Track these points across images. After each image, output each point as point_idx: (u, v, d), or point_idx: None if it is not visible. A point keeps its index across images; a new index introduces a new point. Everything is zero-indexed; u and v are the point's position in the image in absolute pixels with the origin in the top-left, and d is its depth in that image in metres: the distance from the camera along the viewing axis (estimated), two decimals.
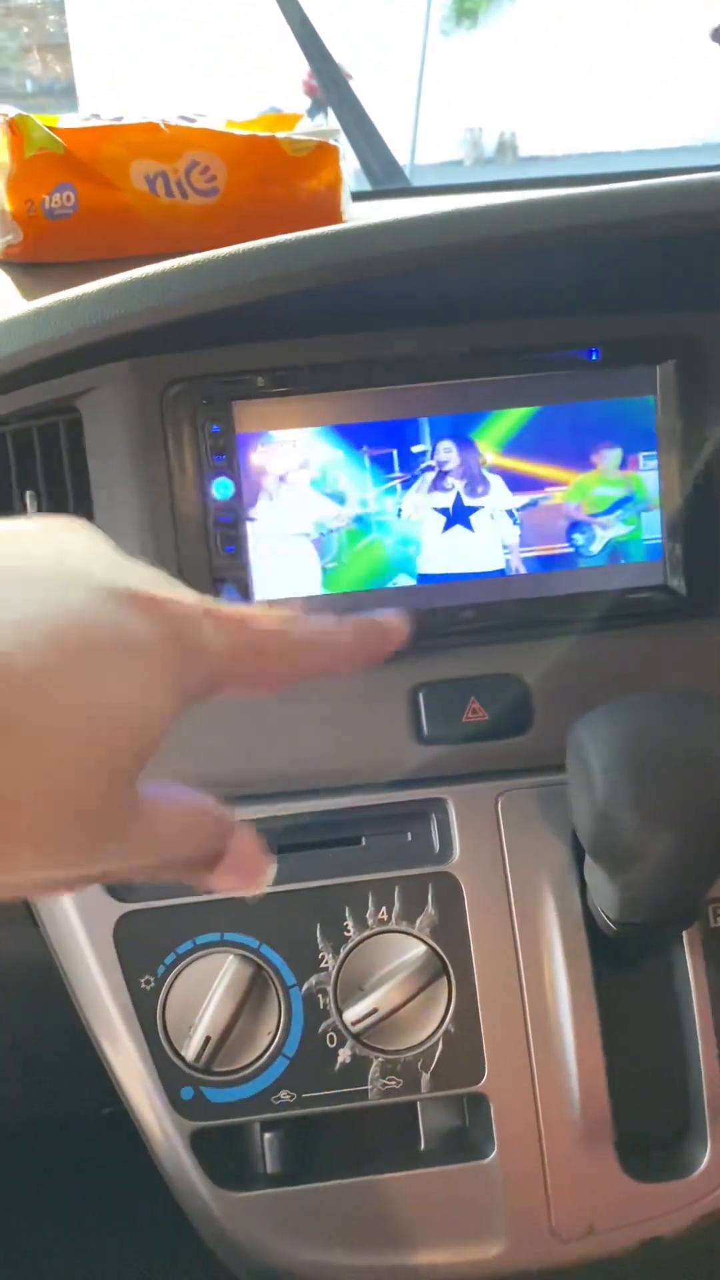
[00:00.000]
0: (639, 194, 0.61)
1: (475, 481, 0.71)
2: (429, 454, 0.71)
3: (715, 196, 0.61)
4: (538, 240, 0.62)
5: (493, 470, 0.71)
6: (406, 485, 0.71)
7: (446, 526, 0.72)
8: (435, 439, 0.71)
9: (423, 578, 0.72)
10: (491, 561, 0.72)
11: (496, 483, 0.72)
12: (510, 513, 0.72)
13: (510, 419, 0.71)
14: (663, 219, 0.61)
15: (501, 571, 0.72)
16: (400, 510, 0.71)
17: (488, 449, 0.71)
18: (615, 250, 0.65)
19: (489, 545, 0.72)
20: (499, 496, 0.72)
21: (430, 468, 0.71)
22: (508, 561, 0.72)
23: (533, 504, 0.72)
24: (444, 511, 0.71)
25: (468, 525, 0.72)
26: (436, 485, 0.71)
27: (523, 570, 0.73)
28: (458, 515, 0.72)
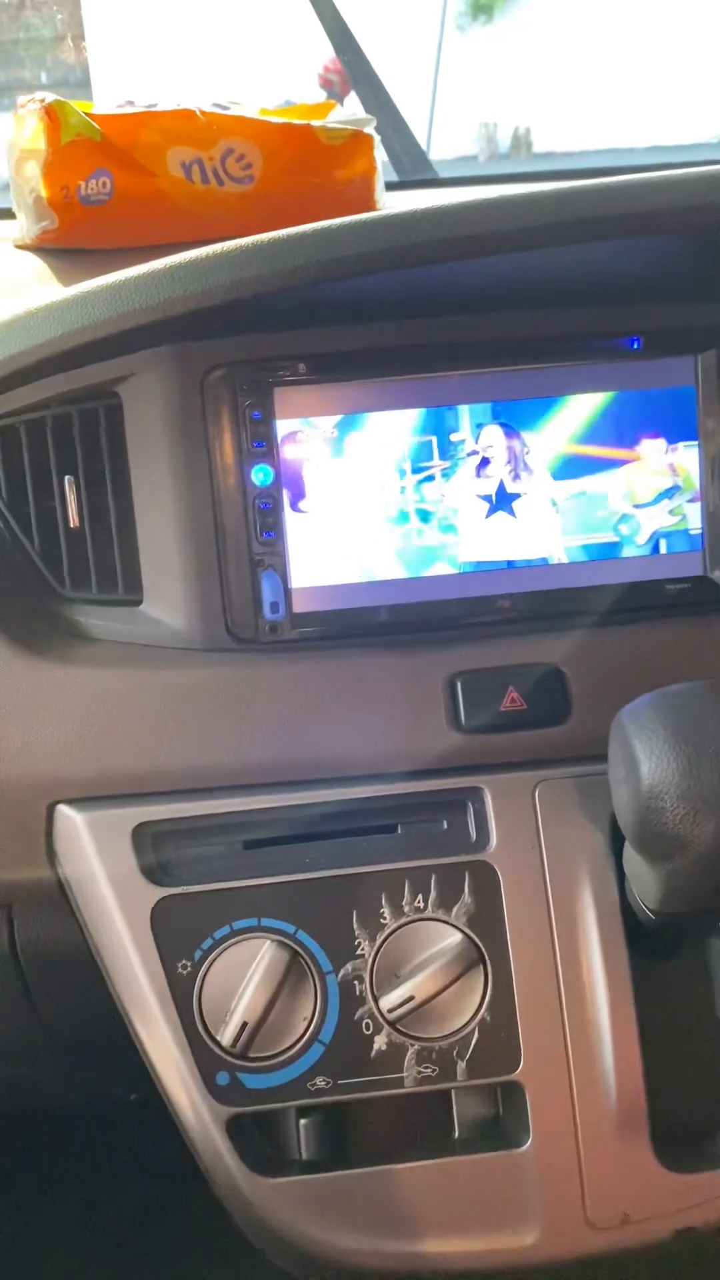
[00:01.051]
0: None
1: (519, 468, 0.71)
2: (468, 441, 0.71)
3: None
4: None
5: (537, 457, 0.71)
6: (448, 473, 0.71)
7: (490, 513, 0.71)
8: (475, 426, 0.70)
9: (463, 565, 0.72)
10: (533, 550, 0.72)
11: (540, 470, 0.71)
12: (553, 500, 0.72)
13: (554, 407, 0.71)
14: None
15: (543, 560, 0.72)
16: (442, 497, 0.71)
17: (532, 436, 0.71)
18: (663, 238, 0.64)
19: (531, 533, 0.72)
20: (543, 484, 0.71)
21: (474, 453, 0.71)
22: (550, 550, 0.72)
23: (576, 492, 0.72)
24: (487, 498, 0.71)
25: (510, 512, 0.72)
26: (480, 472, 0.71)
27: (564, 559, 0.72)
28: (501, 502, 0.71)
